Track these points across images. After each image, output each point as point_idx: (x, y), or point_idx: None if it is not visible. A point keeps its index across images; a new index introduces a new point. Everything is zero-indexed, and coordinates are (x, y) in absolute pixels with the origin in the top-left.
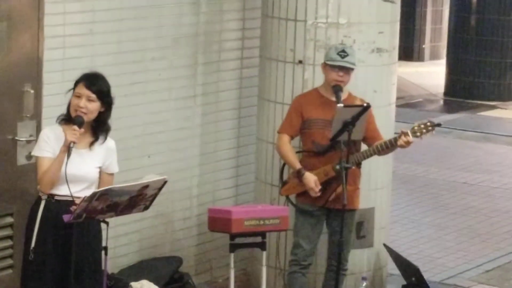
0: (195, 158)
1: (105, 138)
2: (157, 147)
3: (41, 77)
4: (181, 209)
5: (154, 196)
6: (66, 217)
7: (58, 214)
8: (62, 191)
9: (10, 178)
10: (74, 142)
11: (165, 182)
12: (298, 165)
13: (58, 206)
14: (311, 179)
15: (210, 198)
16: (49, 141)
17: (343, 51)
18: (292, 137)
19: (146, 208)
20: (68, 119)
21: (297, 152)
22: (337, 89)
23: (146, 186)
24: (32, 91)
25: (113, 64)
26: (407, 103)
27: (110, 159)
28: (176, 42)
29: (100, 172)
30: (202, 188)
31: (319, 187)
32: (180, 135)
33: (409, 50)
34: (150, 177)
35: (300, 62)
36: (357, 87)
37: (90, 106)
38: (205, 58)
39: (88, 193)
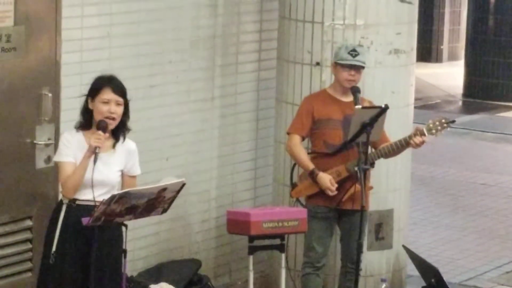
0: (213, 160)
1: (124, 138)
2: (175, 150)
3: (59, 80)
4: (200, 212)
5: (173, 199)
6: (85, 220)
7: (79, 219)
8: (83, 195)
9: (29, 182)
10: (99, 147)
11: (183, 184)
12: (311, 166)
13: (79, 210)
14: (326, 179)
15: (228, 200)
16: (70, 146)
17: (354, 50)
18: (303, 138)
19: (165, 210)
20: (86, 125)
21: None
22: (355, 90)
23: (164, 189)
24: (50, 95)
25: (131, 67)
26: (425, 104)
27: (132, 161)
28: (194, 44)
29: (122, 175)
30: (220, 190)
31: (336, 185)
32: (198, 137)
33: (427, 51)
34: (168, 180)
35: (318, 64)
36: (375, 88)
37: (119, 110)
38: (222, 60)
39: (108, 196)
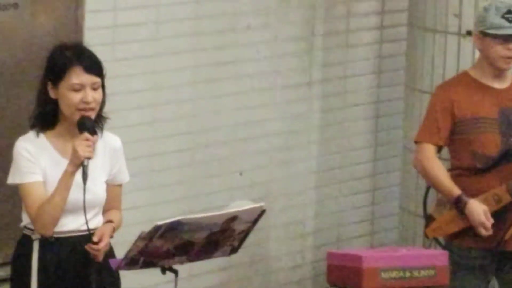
0: (311, 177)
1: (101, 132)
2: (254, 160)
3: None
4: (289, 253)
5: (247, 233)
6: (114, 263)
7: (62, 257)
8: (64, 225)
9: None
10: (89, 158)
11: (263, 211)
12: (455, 190)
13: (61, 245)
14: (479, 210)
15: (332, 237)
16: (33, 158)
17: (510, 12)
18: (439, 148)
19: (235, 250)
20: (49, 124)
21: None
22: None
23: (234, 217)
24: None
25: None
26: None
27: (118, 164)
28: (283, 2)
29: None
30: (320, 222)
31: (491, 220)
32: (289, 141)
33: None
34: (240, 204)
35: (469, 33)
36: None
37: (98, 96)
38: (325, 26)
39: (99, 221)
